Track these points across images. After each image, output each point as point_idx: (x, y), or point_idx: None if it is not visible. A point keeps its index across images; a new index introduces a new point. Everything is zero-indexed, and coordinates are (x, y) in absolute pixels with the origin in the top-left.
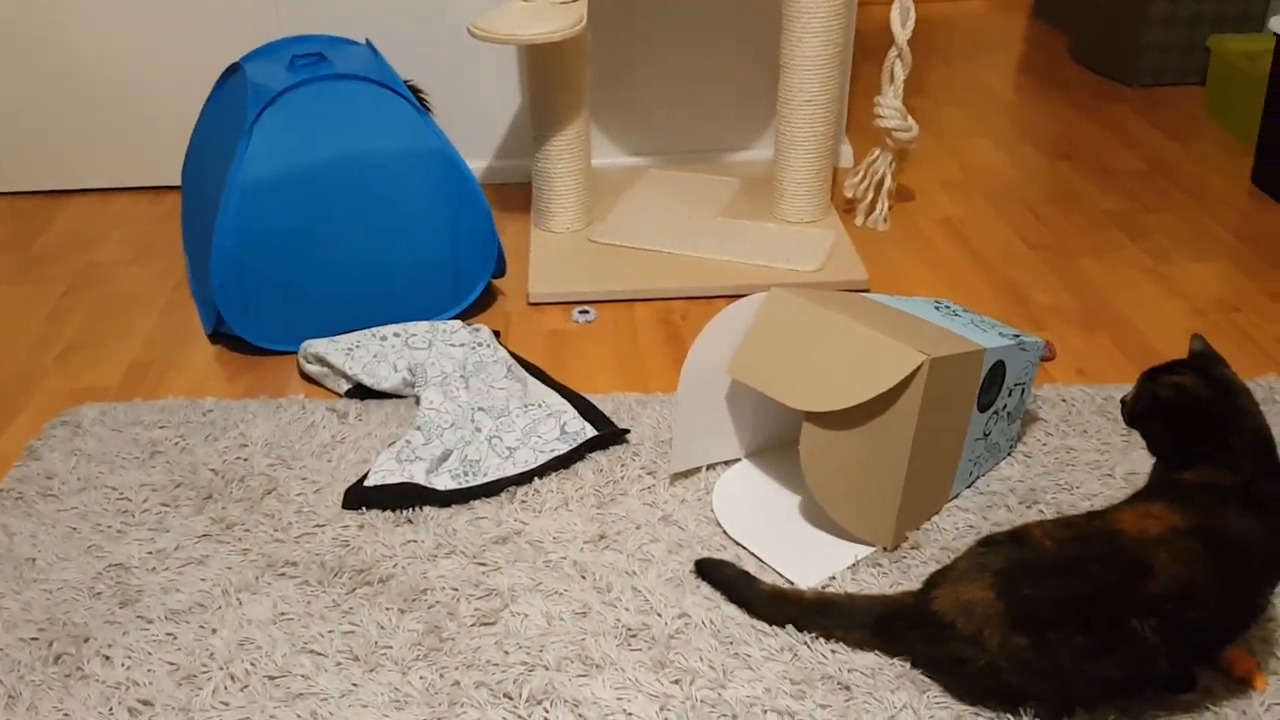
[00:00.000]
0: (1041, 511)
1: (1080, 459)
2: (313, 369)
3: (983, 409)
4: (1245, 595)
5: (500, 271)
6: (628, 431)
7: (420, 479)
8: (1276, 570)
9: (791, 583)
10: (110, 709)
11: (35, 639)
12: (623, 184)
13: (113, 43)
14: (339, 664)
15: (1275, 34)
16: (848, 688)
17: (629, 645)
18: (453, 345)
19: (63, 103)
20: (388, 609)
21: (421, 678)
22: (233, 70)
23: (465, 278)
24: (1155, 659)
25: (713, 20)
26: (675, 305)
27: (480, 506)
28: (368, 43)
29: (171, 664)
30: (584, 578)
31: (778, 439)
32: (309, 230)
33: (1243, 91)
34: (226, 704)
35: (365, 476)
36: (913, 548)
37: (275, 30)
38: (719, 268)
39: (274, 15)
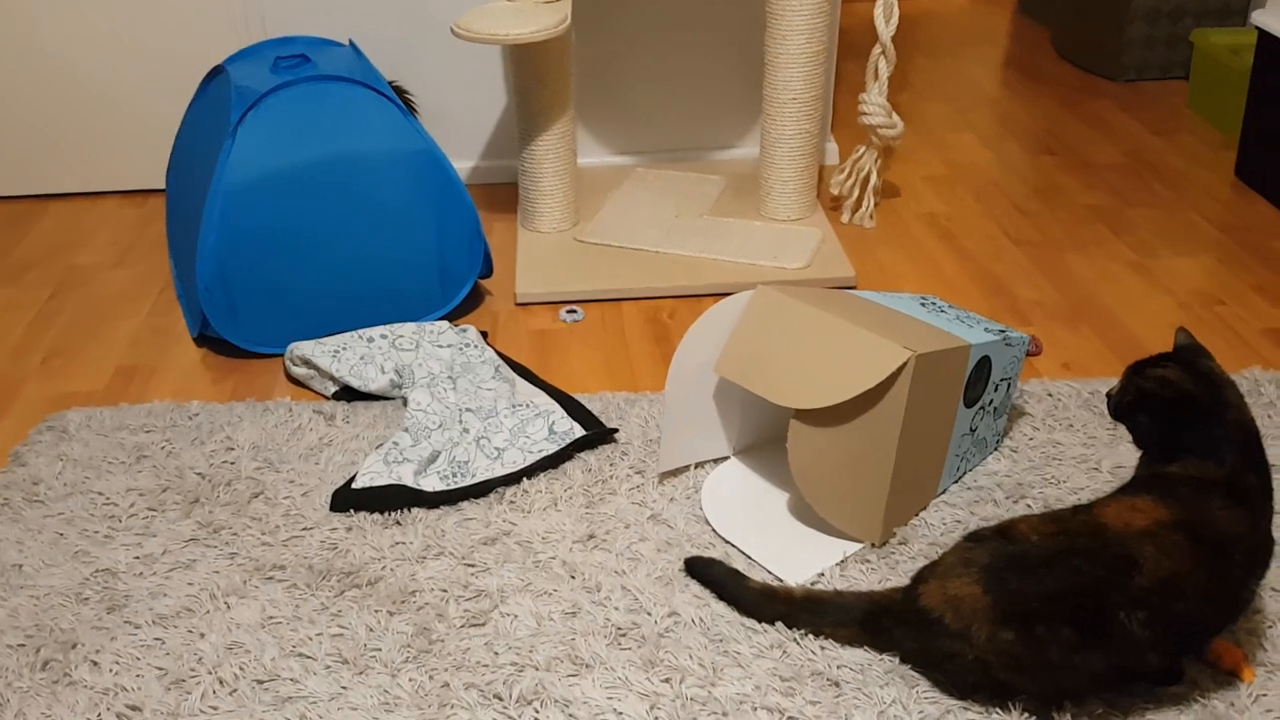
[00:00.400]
0: (1029, 506)
1: (1066, 453)
2: (299, 371)
3: (969, 404)
4: (1231, 588)
5: (487, 272)
6: (616, 431)
7: (408, 480)
8: (1262, 562)
9: (780, 580)
10: (98, 715)
11: (22, 645)
12: (609, 183)
13: (95, 46)
14: (328, 667)
15: (1258, 28)
16: (837, 684)
17: (619, 644)
18: (440, 346)
19: (45, 106)
20: (376, 611)
21: (411, 680)
22: (216, 73)
23: (452, 278)
24: (1142, 652)
25: (697, 19)
26: (663, 304)
27: (469, 507)
28: (351, 44)
29: (160, 669)
30: (573, 577)
31: (766, 436)
32: (294, 232)
33: (1226, 85)
34: (215, 708)
35: (353, 479)
36: (901, 544)
37: (258, 32)
38: (706, 266)
39: (257, 17)
